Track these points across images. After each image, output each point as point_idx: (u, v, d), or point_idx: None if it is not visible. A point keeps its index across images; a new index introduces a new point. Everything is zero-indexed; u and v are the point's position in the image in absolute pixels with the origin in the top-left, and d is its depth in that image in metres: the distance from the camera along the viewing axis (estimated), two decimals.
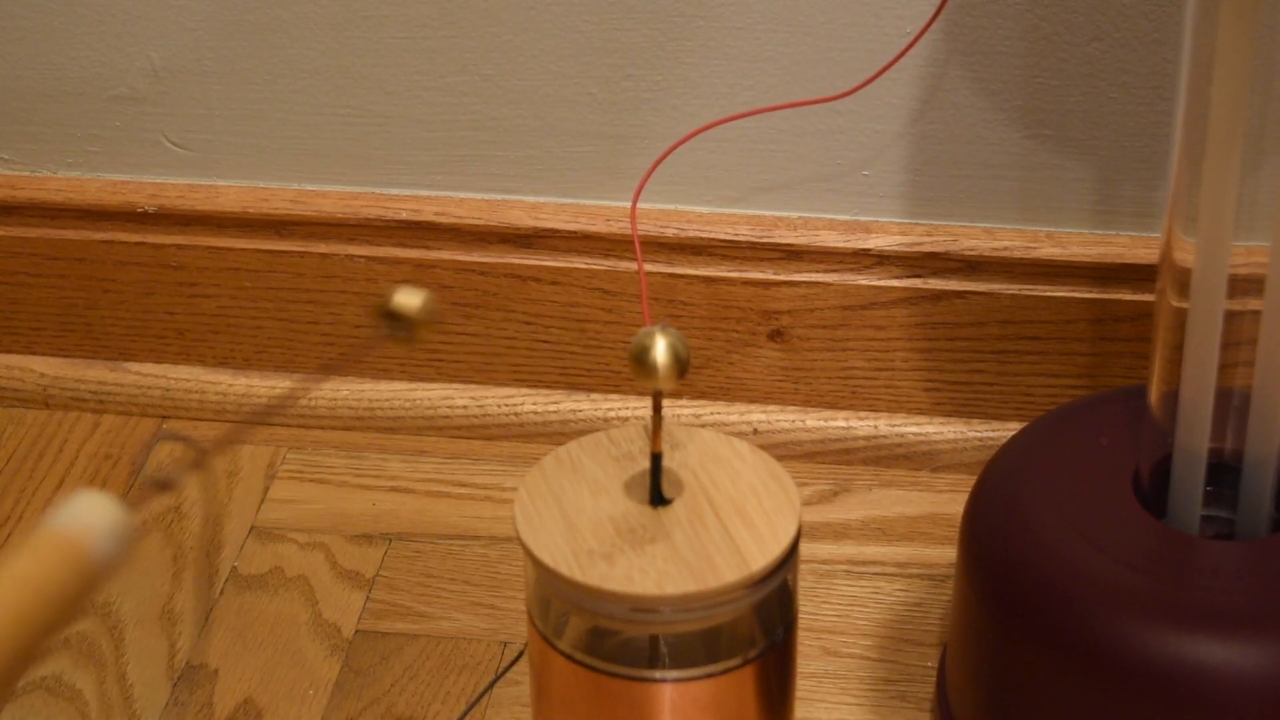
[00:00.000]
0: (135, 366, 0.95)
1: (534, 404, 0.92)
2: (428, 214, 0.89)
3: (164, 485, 0.48)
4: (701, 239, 0.87)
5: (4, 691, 0.42)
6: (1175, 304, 0.67)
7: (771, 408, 0.90)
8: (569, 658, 0.60)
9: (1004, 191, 0.85)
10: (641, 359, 0.57)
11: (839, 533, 0.86)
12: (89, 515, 0.44)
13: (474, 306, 0.90)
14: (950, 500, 0.87)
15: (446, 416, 0.92)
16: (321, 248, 0.90)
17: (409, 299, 0.55)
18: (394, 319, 0.55)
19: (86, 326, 0.94)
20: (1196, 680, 0.64)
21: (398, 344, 0.56)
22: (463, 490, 0.89)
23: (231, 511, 0.88)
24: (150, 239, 0.91)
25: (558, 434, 0.91)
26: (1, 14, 0.88)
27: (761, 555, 0.58)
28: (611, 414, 0.91)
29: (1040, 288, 0.85)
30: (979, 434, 0.89)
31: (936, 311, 0.86)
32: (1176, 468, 0.69)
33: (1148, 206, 0.85)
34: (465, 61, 0.86)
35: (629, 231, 0.87)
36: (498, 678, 0.79)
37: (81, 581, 0.44)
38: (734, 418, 0.90)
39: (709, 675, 0.60)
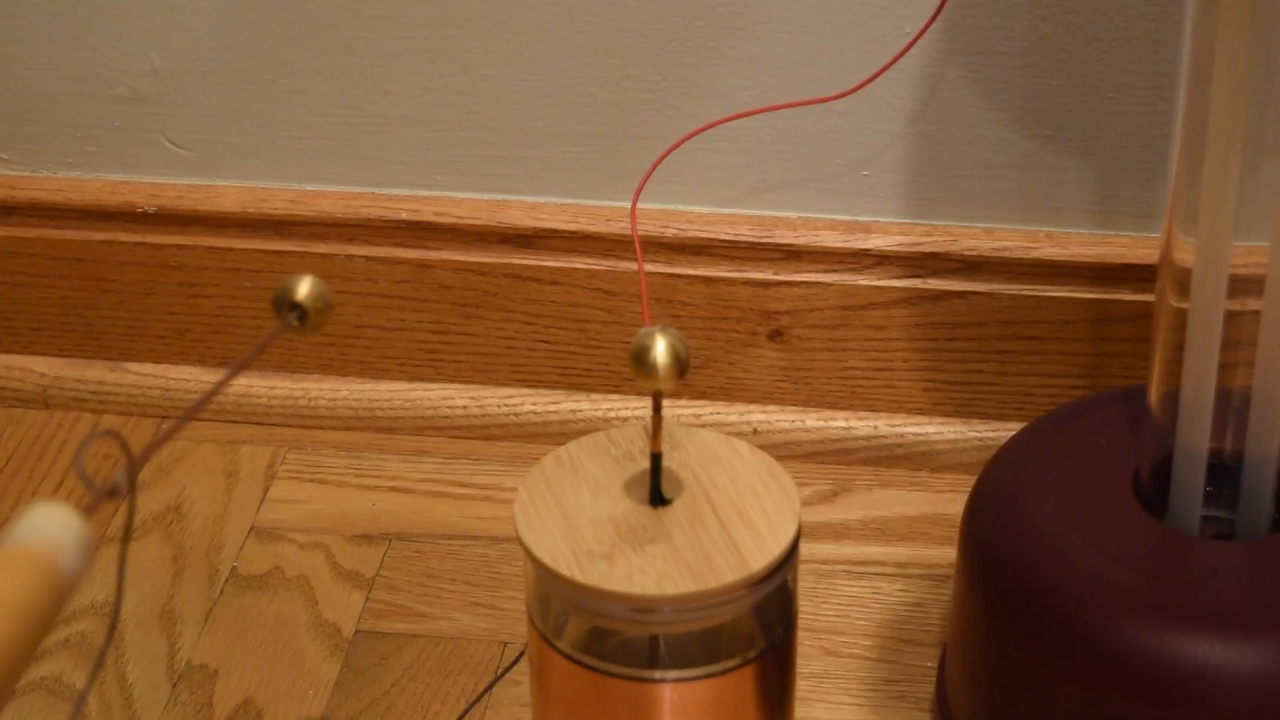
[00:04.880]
0: (135, 366, 0.95)
1: (534, 404, 0.92)
2: (428, 214, 0.89)
3: (113, 492, 0.47)
4: (701, 239, 0.87)
5: None
6: (1175, 304, 0.67)
7: (771, 408, 0.90)
8: (569, 658, 0.60)
9: (1004, 191, 0.85)
10: (641, 359, 0.57)
11: (839, 533, 0.86)
12: (53, 530, 0.43)
13: (474, 306, 0.90)
14: (950, 500, 0.87)
15: (446, 416, 0.92)
16: (321, 248, 0.90)
17: (302, 287, 0.55)
18: (293, 308, 0.55)
19: (86, 326, 0.94)
20: (1196, 680, 0.64)
21: (297, 333, 0.55)
22: (463, 490, 0.89)
23: (231, 511, 0.88)
24: (150, 239, 0.91)
25: (558, 434, 0.91)
26: (1, 14, 0.88)
27: (761, 555, 0.58)
28: (611, 414, 0.91)
29: (1040, 288, 0.85)
30: (979, 434, 0.89)
31: (936, 311, 0.86)
32: (1176, 468, 0.69)
33: (1148, 206, 0.85)
34: (465, 61, 0.86)
35: (629, 231, 0.87)
36: (498, 678, 0.79)
37: (55, 600, 0.43)
38: (734, 418, 0.90)
39: (709, 675, 0.60)
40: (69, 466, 0.91)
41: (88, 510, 0.45)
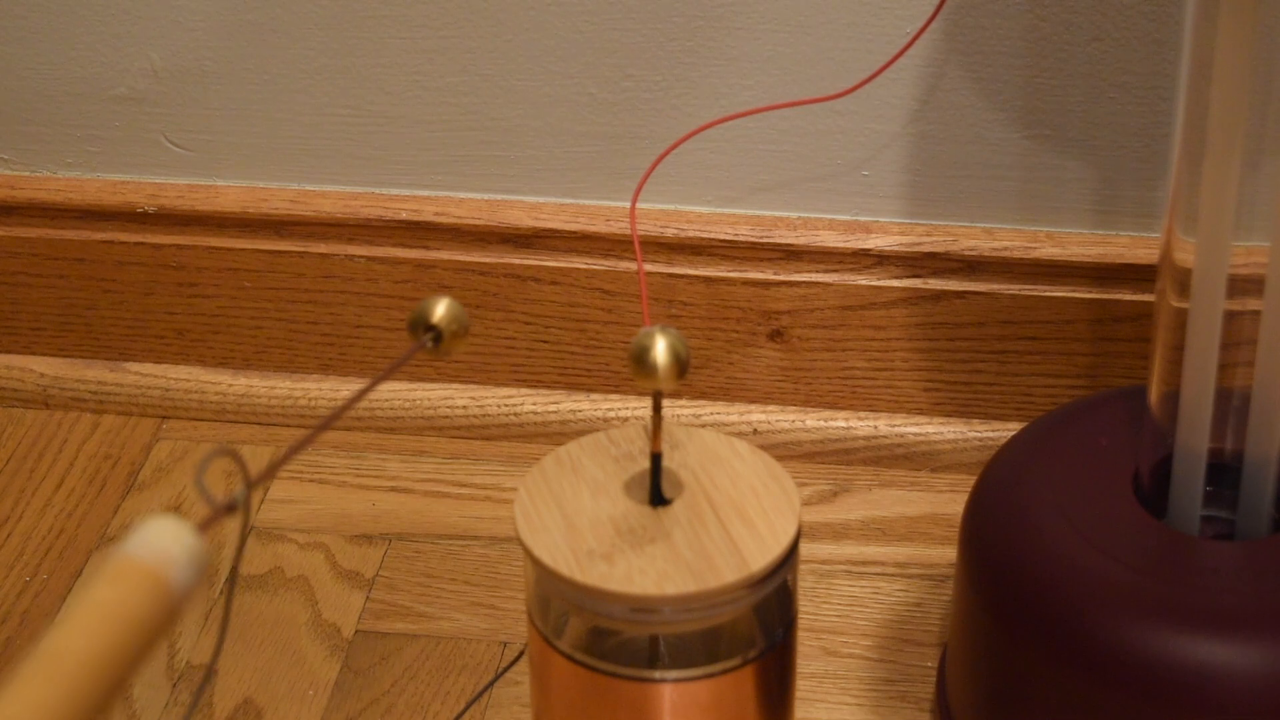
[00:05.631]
0: (135, 366, 0.95)
1: (534, 404, 0.92)
2: (428, 214, 0.89)
3: (230, 508, 0.47)
4: (701, 239, 0.87)
5: None
6: (1175, 304, 0.67)
7: (771, 408, 0.90)
8: (569, 658, 0.60)
9: (1004, 191, 0.85)
10: (641, 359, 0.57)
11: (839, 533, 0.86)
12: (165, 543, 0.43)
13: (474, 306, 0.90)
14: (950, 500, 0.87)
15: (446, 416, 0.92)
16: (321, 248, 0.90)
17: (438, 309, 0.55)
18: (428, 330, 0.55)
19: (86, 326, 0.95)
20: (1196, 680, 0.64)
21: (431, 355, 0.56)
22: (463, 490, 0.89)
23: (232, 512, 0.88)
24: (150, 239, 0.91)
25: (558, 434, 0.91)
26: (1, 14, 0.88)
27: (761, 555, 0.58)
28: (611, 414, 0.91)
29: (1040, 288, 0.85)
30: (979, 434, 0.89)
31: (936, 311, 0.86)
32: (1176, 468, 0.69)
33: (1148, 206, 0.85)
34: (465, 61, 0.86)
35: (629, 231, 0.87)
36: (497, 677, 0.79)
37: (164, 613, 0.43)
38: (734, 418, 0.90)
39: (709, 675, 0.60)
40: (69, 467, 0.91)
41: (203, 526, 0.45)
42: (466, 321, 0.56)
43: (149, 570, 0.43)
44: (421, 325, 0.56)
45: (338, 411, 0.53)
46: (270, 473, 0.50)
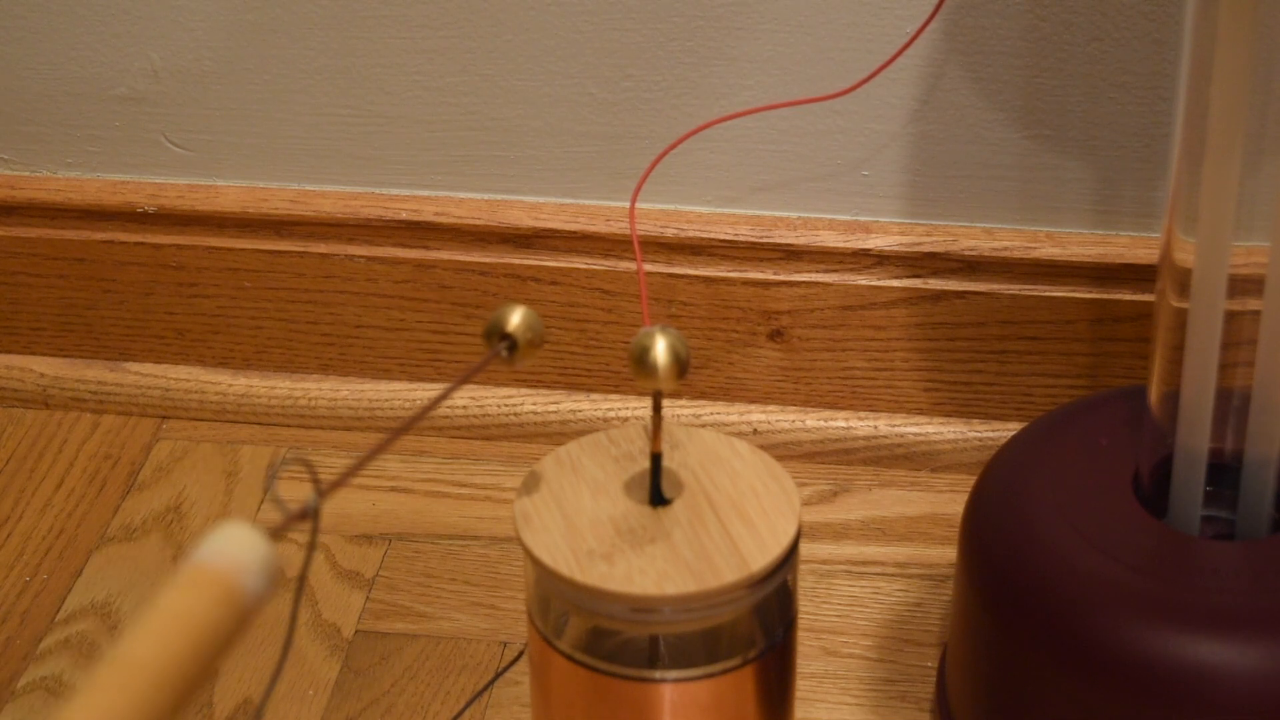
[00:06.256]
0: (135, 366, 0.95)
1: (534, 404, 0.92)
2: (428, 214, 0.89)
3: (303, 515, 0.47)
4: (701, 239, 0.87)
5: None
6: (1175, 304, 0.67)
7: (771, 408, 0.90)
8: (569, 658, 0.60)
9: (1004, 191, 0.85)
10: (641, 359, 0.57)
11: (839, 533, 0.86)
12: (239, 550, 0.43)
13: (474, 306, 0.90)
14: (950, 500, 0.87)
15: (446, 416, 0.92)
16: (321, 248, 0.90)
17: (514, 317, 0.56)
18: (503, 338, 0.56)
19: (86, 326, 0.95)
20: (1196, 680, 0.64)
21: (504, 364, 0.56)
22: (463, 490, 0.89)
23: (231, 511, 0.88)
24: (150, 239, 0.91)
25: (558, 434, 0.91)
26: (1, 14, 0.88)
27: (761, 555, 0.58)
28: (611, 414, 0.91)
29: (1040, 288, 0.85)
30: (979, 434, 0.89)
31: (936, 311, 0.86)
32: (1176, 468, 0.69)
33: (1148, 206, 0.85)
34: (465, 61, 0.86)
35: (629, 231, 0.87)
36: (497, 677, 0.79)
37: (236, 620, 0.43)
38: (734, 418, 0.90)
39: (709, 675, 0.60)
40: (69, 467, 0.91)
41: (276, 533, 0.44)
42: (541, 330, 0.56)
43: (221, 578, 0.43)
44: (497, 334, 0.56)
45: (414, 418, 0.53)
46: (343, 480, 0.49)
